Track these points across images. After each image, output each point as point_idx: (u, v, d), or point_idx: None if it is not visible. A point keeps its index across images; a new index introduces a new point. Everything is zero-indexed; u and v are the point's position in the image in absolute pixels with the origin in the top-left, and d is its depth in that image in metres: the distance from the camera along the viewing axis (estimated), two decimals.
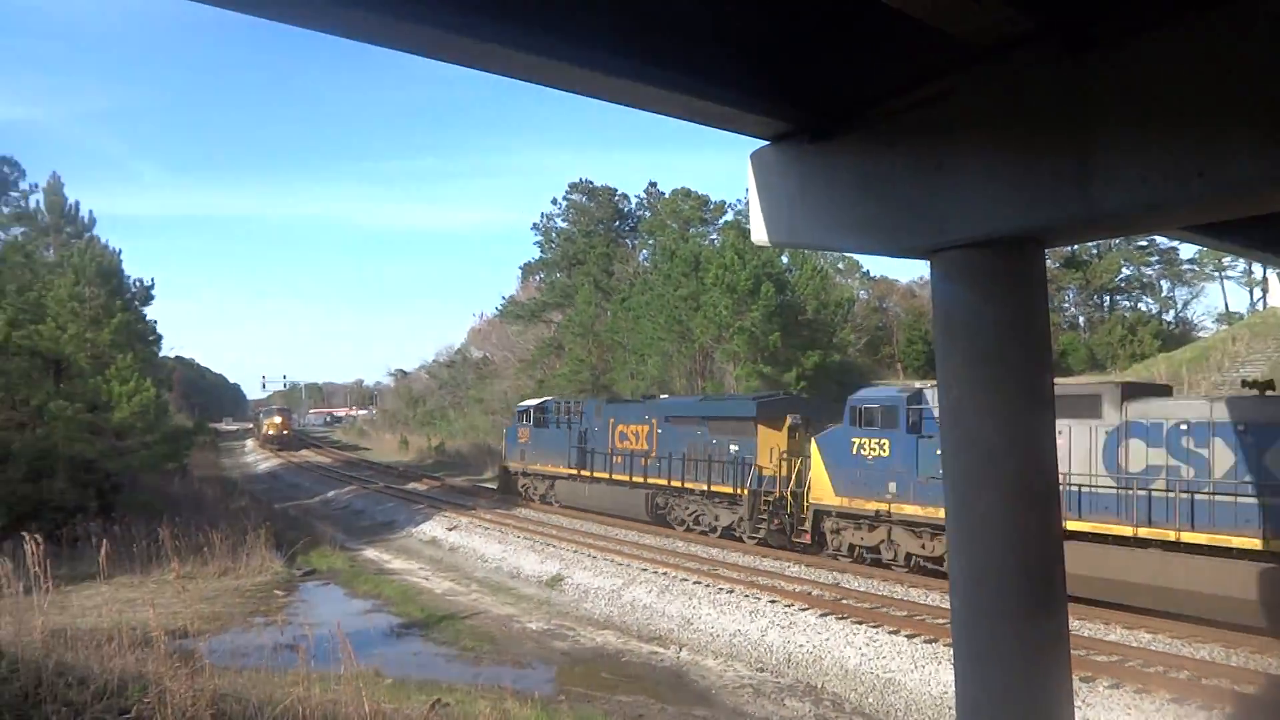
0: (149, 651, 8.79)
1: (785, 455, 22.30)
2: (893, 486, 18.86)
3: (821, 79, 5.63)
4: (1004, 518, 5.28)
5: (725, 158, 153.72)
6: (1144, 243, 57.31)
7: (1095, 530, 15.10)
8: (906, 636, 15.01)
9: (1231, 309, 59.93)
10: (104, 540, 13.08)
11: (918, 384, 20.21)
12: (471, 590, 21.89)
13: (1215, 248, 13.19)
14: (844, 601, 17.37)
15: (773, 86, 5.58)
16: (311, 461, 60.53)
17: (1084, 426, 15.66)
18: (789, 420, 22.98)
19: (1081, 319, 62.04)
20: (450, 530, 29.16)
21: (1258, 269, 53.91)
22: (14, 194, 36.97)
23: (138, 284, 34.03)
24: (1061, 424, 15.51)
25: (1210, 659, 13.14)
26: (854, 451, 19.66)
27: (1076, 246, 56.17)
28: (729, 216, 57.26)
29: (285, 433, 73.73)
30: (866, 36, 5.44)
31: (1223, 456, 14.03)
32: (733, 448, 23.64)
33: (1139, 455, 14.99)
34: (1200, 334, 56.38)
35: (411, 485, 42.12)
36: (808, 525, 21.08)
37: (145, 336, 33.24)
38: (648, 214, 62.59)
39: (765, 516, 22.37)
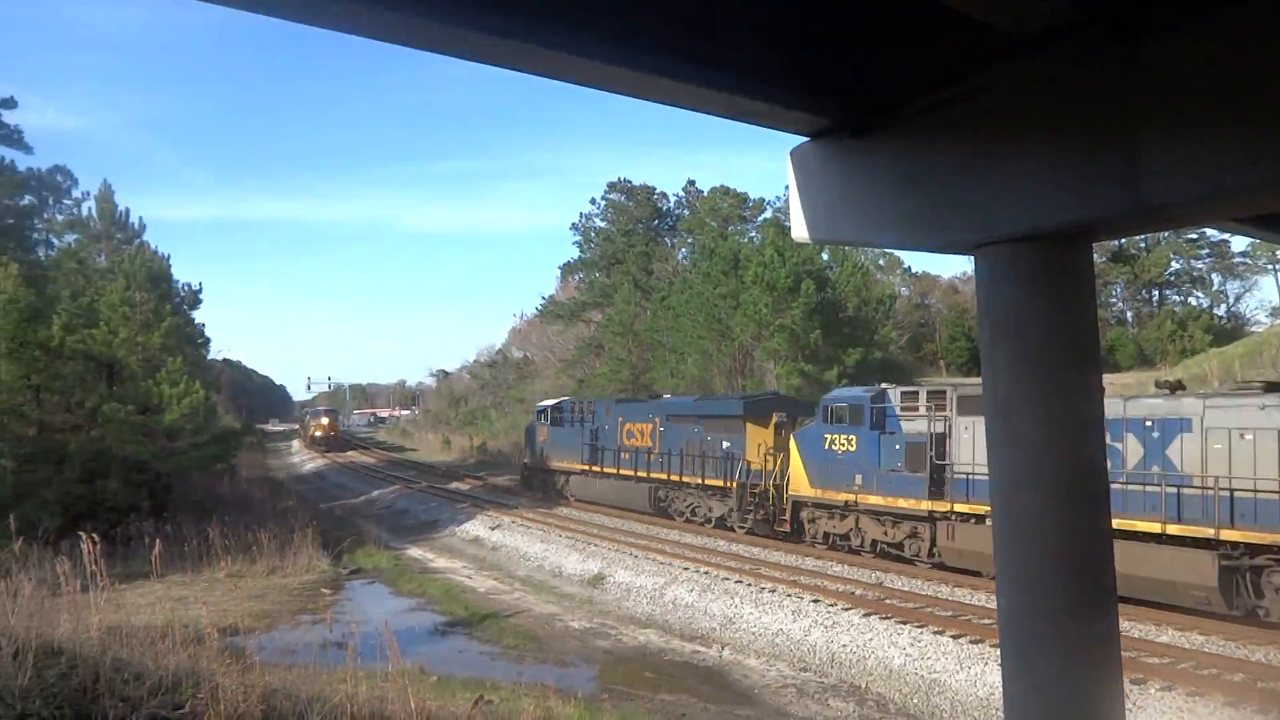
0: (201, 648, 8.97)
1: (771, 451, 23.85)
2: (859, 479, 20.52)
3: (862, 74, 5.59)
4: (1052, 516, 5.19)
5: (764, 155, 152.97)
6: (1194, 235, 56.10)
7: None
8: (952, 637, 14.84)
9: None
10: (156, 539, 13.37)
11: (883, 385, 22.01)
12: (514, 589, 22.04)
13: (1269, 240, 12.99)
14: (888, 601, 17.22)
15: (812, 82, 5.54)
16: (356, 462, 61.15)
17: None
18: (775, 418, 24.68)
19: (1129, 314, 60.87)
20: (493, 529, 29.37)
21: None
22: (67, 202, 37.94)
23: (186, 288, 34.82)
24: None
25: (1266, 661, 12.82)
26: (826, 447, 21.38)
27: (1124, 240, 55.08)
28: (768, 214, 57.08)
29: (333, 434, 72.89)
30: (907, 30, 5.39)
31: (1134, 449, 15.48)
32: (724, 444, 25.46)
33: None
34: (1253, 329, 55.00)
35: (454, 485, 42.49)
36: (787, 515, 22.87)
37: (194, 339, 33.99)
38: (686, 212, 62.51)
39: (752, 507, 24.16)
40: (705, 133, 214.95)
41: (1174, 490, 14.84)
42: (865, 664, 14.82)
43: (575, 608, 19.90)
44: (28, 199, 35.43)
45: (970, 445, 17.96)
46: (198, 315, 35.33)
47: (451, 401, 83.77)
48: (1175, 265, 60.03)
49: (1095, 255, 7.09)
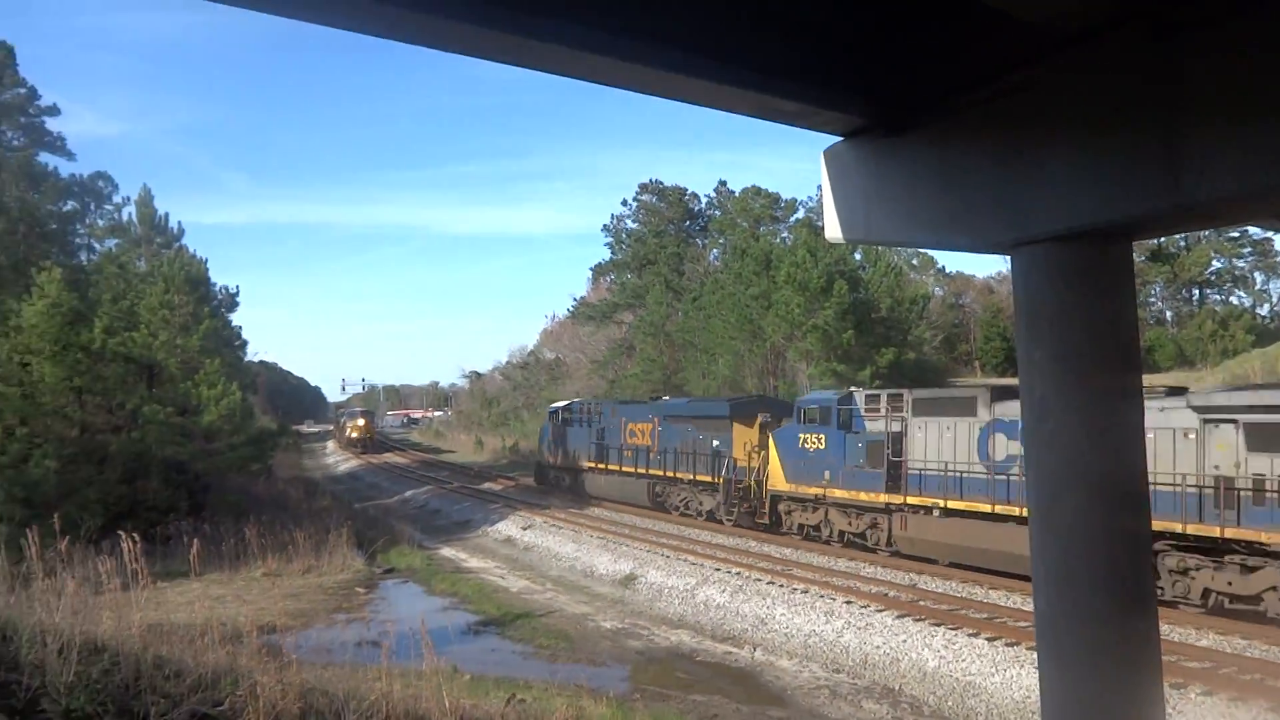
0: (239, 646, 9.09)
1: (755, 449, 25.40)
2: (827, 474, 22.18)
3: (897, 73, 5.55)
4: (1090, 518, 5.12)
5: (797, 154, 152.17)
6: (1235, 234, 55.11)
7: (970, 509, 18.38)
8: (987, 639, 14.69)
9: None
10: (195, 539, 13.51)
11: (851, 388, 23.71)
12: (546, 589, 22.11)
13: None
14: (921, 603, 17.09)
15: (846, 82, 5.52)
16: (390, 462, 61.51)
17: (965, 424, 18.95)
18: (760, 419, 26.10)
19: (1169, 314, 59.90)
20: (525, 529, 29.50)
21: None
22: (108, 207, 38.78)
23: (224, 291, 35.37)
24: (948, 421, 19.47)
25: None
26: (799, 445, 23.09)
27: (1163, 239, 54.22)
28: (800, 214, 56.86)
29: (368, 435, 72.07)
30: (942, 28, 5.35)
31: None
32: (714, 443, 27.13)
33: (1003, 447, 18.07)
34: None
35: (486, 485, 42.71)
36: (766, 508, 24.66)
37: (231, 342, 34.45)
38: (718, 213, 62.40)
39: (737, 501, 25.90)
40: (737, 133, 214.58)
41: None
42: (899, 666, 14.71)
43: (607, 608, 19.94)
44: (70, 204, 36.20)
45: (922, 443, 19.78)
46: (235, 318, 35.92)
47: (484, 403, 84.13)
48: (1216, 264, 59.05)
49: (1134, 254, 7.00)
